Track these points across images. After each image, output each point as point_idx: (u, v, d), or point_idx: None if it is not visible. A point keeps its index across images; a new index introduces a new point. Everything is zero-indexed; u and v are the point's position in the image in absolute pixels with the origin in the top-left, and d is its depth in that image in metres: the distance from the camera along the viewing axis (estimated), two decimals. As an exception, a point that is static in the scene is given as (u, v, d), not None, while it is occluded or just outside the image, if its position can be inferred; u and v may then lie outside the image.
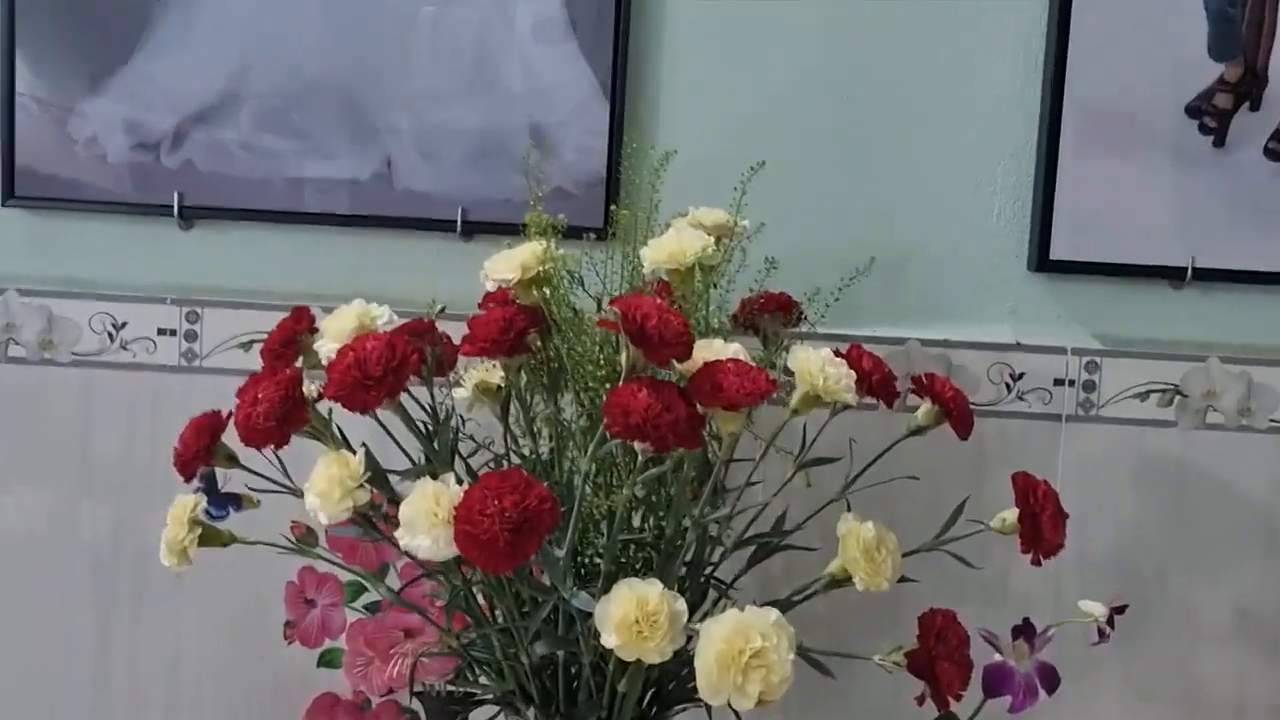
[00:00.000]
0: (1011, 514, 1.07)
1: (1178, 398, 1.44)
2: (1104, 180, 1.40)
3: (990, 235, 1.43)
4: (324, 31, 1.39)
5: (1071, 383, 1.44)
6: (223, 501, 1.18)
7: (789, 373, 1.01)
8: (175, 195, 1.40)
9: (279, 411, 0.96)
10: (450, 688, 1.39)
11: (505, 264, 1.04)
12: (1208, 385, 1.44)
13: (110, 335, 1.43)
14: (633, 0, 1.38)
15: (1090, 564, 1.42)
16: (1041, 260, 1.41)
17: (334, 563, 1.18)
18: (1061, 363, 1.44)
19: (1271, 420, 1.45)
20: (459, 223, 1.39)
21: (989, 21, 1.41)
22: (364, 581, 1.25)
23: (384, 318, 1.03)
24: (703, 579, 1.11)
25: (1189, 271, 1.41)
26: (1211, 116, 1.41)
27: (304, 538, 1.17)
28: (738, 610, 0.91)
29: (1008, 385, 1.44)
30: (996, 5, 1.41)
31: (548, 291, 1.05)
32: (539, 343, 1.06)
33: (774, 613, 0.90)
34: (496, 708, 1.16)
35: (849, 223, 1.41)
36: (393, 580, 1.33)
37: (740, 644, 0.87)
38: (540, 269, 1.03)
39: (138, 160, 1.40)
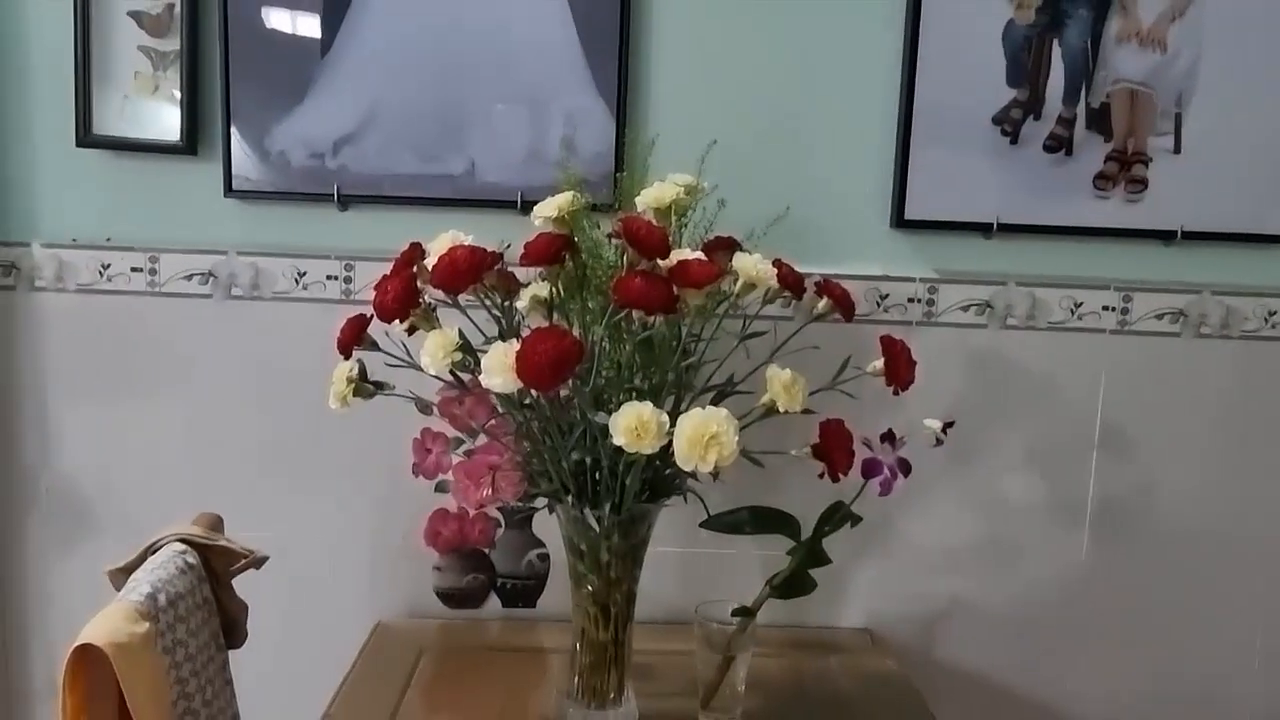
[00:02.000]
0: (880, 362, 1.05)
1: (988, 309, 1.43)
2: (940, 164, 1.38)
3: (864, 202, 1.41)
4: (424, 80, 1.36)
5: (919, 300, 1.42)
6: (372, 384, 1.16)
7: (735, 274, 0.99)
8: (335, 187, 1.38)
9: (402, 296, 0.95)
10: (519, 504, 1.38)
11: (547, 206, 1.02)
12: (1007, 301, 1.43)
13: (296, 280, 1.42)
14: (629, 45, 1.36)
15: (932, 414, 1.38)
16: (899, 219, 1.39)
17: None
18: (912, 288, 1.42)
19: (1049, 322, 1.43)
20: (519, 202, 1.37)
21: (862, 53, 1.38)
22: (461, 435, 1.23)
23: (469, 239, 1.01)
24: (681, 414, 1.09)
25: (995, 225, 1.39)
26: (1008, 124, 1.38)
27: (423, 405, 1.15)
28: (700, 409, 0.89)
29: (878, 303, 1.42)
30: (867, 41, 1.38)
31: (574, 225, 1.03)
32: (570, 259, 1.04)
33: (724, 410, 0.88)
34: (549, 514, 1.15)
35: (774, 192, 1.38)
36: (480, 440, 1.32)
37: (703, 429, 0.86)
38: (570, 209, 1.01)
39: (309, 165, 1.38)
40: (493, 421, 1.10)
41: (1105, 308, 1.43)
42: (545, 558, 1.46)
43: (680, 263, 0.91)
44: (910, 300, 1.42)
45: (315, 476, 1.43)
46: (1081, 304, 1.43)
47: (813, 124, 1.40)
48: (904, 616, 1.47)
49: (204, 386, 1.42)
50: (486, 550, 1.46)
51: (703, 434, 0.85)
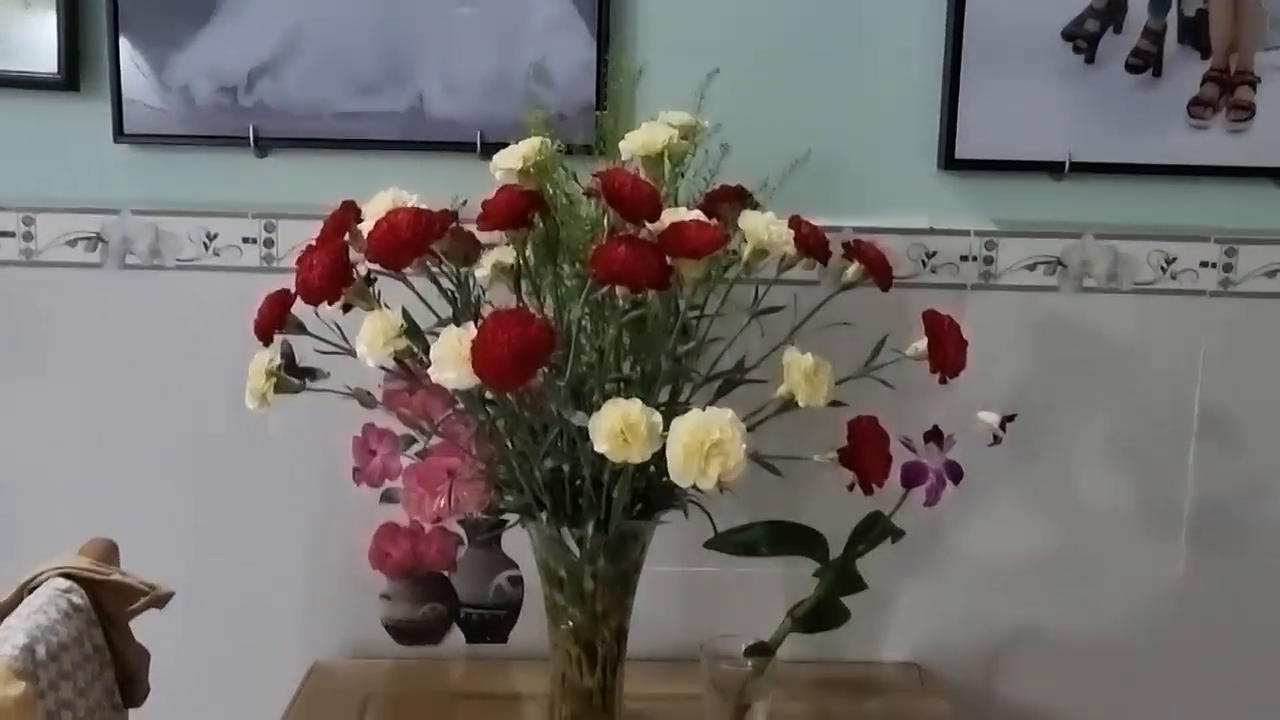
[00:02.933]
0: (922, 343, 1.05)
1: (1059, 268, 1.42)
2: (998, 92, 1.36)
3: (907, 139, 1.39)
4: (354, 7, 1.35)
5: (974, 258, 1.41)
6: (300, 374, 1.15)
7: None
8: (251, 129, 1.37)
9: (330, 272, 0.94)
10: (484, 516, 1.38)
11: (510, 156, 1.01)
12: (1083, 257, 1.42)
13: (205, 245, 1.41)
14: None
15: (989, 404, 1.39)
16: (949, 160, 1.38)
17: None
18: (966, 243, 1.41)
19: (1134, 283, 1.42)
20: (478, 144, 1.36)
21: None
22: (412, 432, 1.23)
23: (413, 200, 1.00)
24: (679, 408, 1.09)
25: (1067, 165, 1.38)
26: (1083, 39, 1.37)
27: (364, 398, 1.14)
28: (700, 410, 0.89)
29: (923, 262, 1.41)
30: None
31: (546, 180, 1.02)
32: (540, 220, 1.03)
33: (729, 412, 0.89)
34: (521, 528, 1.15)
35: (792, 131, 1.36)
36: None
37: (702, 436, 0.86)
38: (538, 158, 1.00)
39: (219, 102, 1.37)
40: (450, 415, 1.10)
41: (1204, 264, 1.42)
42: (518, 582, 1.46)
43: (674, 226, 0.91)
44: (963, 258, 1.41)
45: (233, 485, 1.43)
46: (1175, 260, 1.42)
47: (839, 43, 1.38)
48: (959, 648, 1.48)
49: (93, 377, 1.42)
50: (446, 574, 1.46)
51: (702, 441, 0.85)
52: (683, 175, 1.09)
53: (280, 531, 1.44)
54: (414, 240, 0.91)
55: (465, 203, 1.21)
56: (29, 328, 1.41)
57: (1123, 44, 1.36)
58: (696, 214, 0.95)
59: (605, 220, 0.91)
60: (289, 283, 1.34)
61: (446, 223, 0.95)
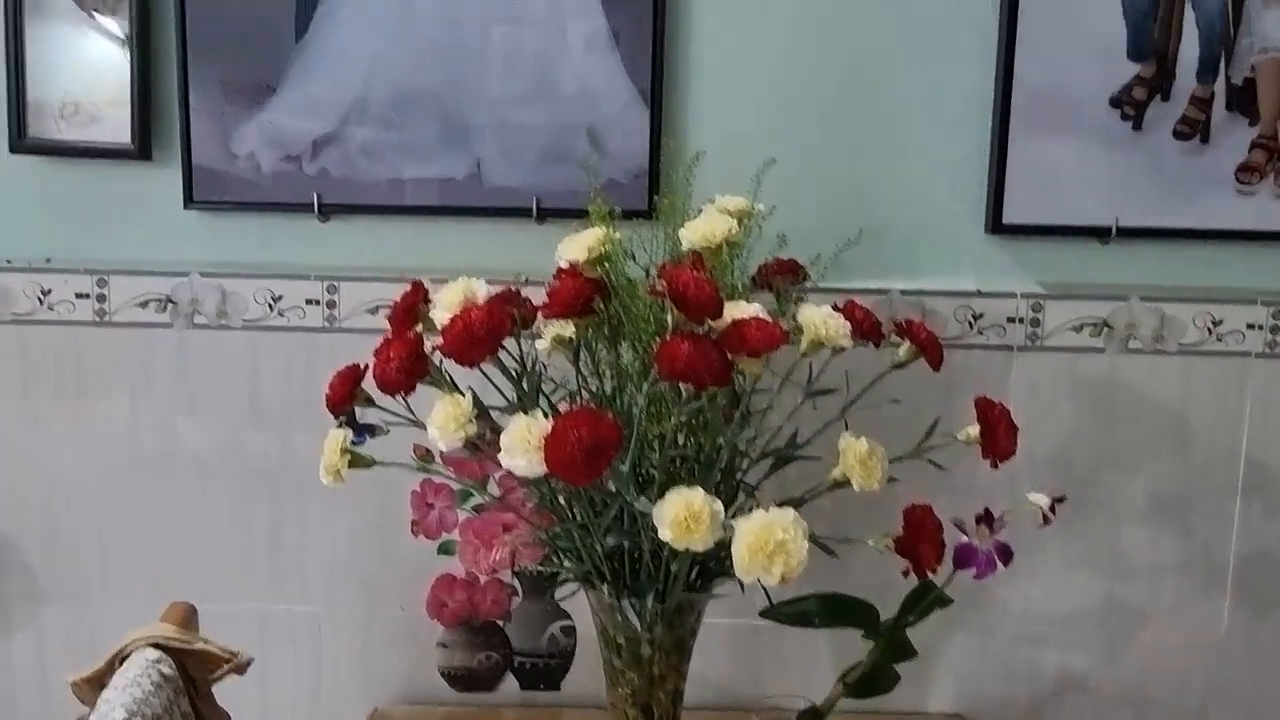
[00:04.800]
0: (974, 429, 1.09)
1: (1105, 329, 1.45)
2: (1045, 158, 1.40)
3: (953, 203, 1.43)
4: (418, 68, 1.40)
5: (1021, 320, 1.45)
6: (361, 431, 1.20)
7: (799, 328, 1.03)
8: (314, 196, 1.42)
9: (407, 366, 0.99)
10: (540, 568, 1.43)
11: (575, 247, 1.06)
12: (1129, 319, 1.45)
13: (270, 305, 1.46)
14: (666, 18, 1.38)
15: (1037, 464, 1.43)
16: (996, 224, 1.42)
17: (447, 476, 1.21)
18: (1013, 305, 1.45)
19: (1180, 345, 1.45)
20: (534, 210, 1.41)
21: (948, 27, 1.40)
22: (471, 489, 1.28)
23: (482, 292, 1.05)
24: (734, 483, 1.13)
25: (1114, 230, 1.41)
26: (1130, 106, 1.40)
27: (424, 457, 1.19)
28: (763, 510, 0.93)
29: (969, 323, 1.45)
30: (954, 13, 1.40)
31: (607, 266, 1.06)
32: (602, 305, 1.08)
33: (791, 512, 0.92)
34: (578, 584, 1.20)
35: (839, 199, 1.42)
36: (492, 488, 1.36)
37: (766, 537, 0.90)
38: (602, 249, 1.05)
39: (284, 169, 1.42)
40: (504, 475, 1.15)
41: (1250, 326, 1.45)
42: (570, 631, 1.51)
43: (735, 325, 0.95)
44: (1010, 320, 1.45)
45: (296, 537, 1.49)
46: (1221, 322, 1.45)
47: (889, 108, 1.42)
48: (1005, 700, 1.51)
49: (162, 433, 1.48)
50: (500, 623, 1.51)
51: (766, 541, 0.89)
52: (738, 256, 1.13)
53: (340, 582, 1.50)
54: (488, 339, 0.96)
55: (526, 280, 1.28)
56: (101, 386, 1.47)
57: (1170, 111, 1.40)
58: (756, 309, 0.99)
59: (670, 316, 0.95)
60: (350, 343, 1.43)
61: (514, 320, 1.00)
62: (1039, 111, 1.39)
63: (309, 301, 1.46)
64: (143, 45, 1.40)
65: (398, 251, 1.45)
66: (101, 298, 1.46)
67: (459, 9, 1.39)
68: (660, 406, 1.05)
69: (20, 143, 1.42)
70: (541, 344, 1.16)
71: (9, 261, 1.46)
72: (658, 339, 1.00)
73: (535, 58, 1.40)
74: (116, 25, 1.40)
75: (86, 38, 1.41)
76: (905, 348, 1.13)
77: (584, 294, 1.02)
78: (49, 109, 1.41)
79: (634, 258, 1.16)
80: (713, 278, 0.98)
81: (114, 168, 1.44)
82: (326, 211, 1.44)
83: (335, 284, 1.46)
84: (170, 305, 1.46)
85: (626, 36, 1.38)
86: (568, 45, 1.39)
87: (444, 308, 1.04)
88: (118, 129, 1.42)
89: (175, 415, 1.48)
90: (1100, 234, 1.42)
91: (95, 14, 1.41)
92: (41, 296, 1.46)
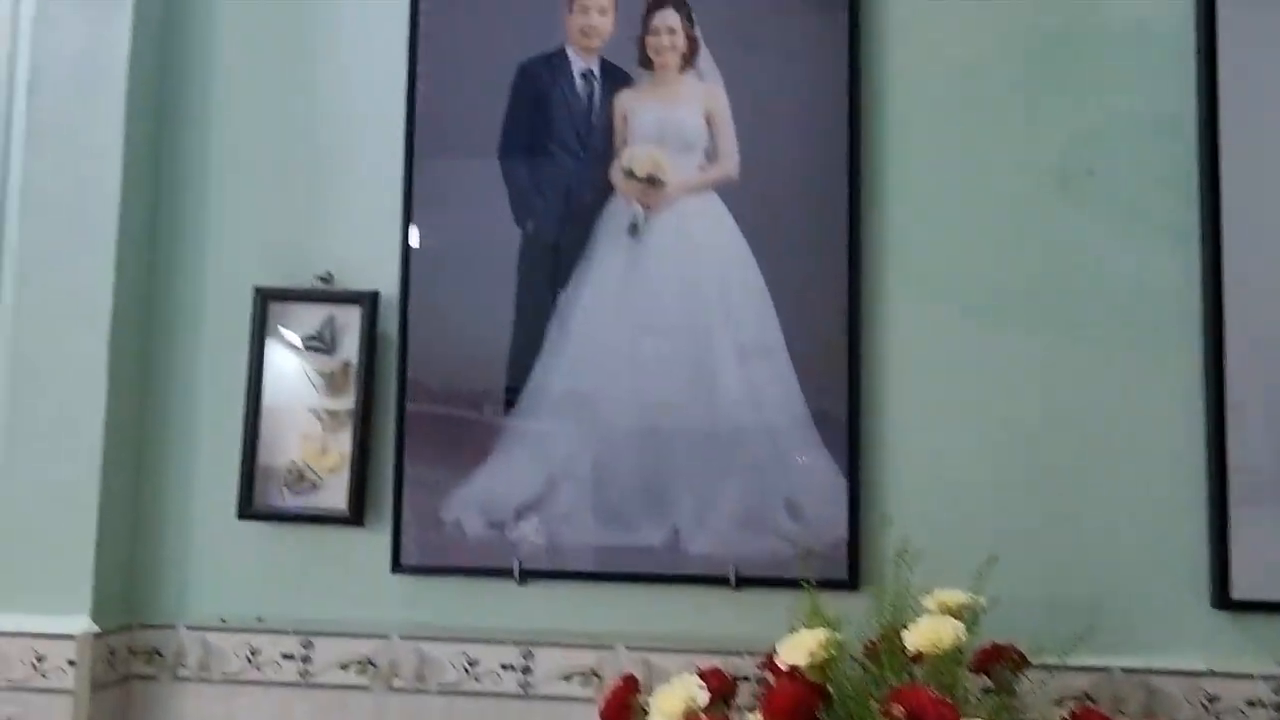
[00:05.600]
0: None
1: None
2: (1270, 532, 1.34)
3: (1172, 577, 1.38)
4: (621, 443, 1.46)
5: (1263, 704, 1.34)
6: None
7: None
8: (516, 562, 1.46)
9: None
10: None
11: (796, 651, 1.04)
12: (1388, 706, 1.33)
13: (465, 669, 1.47)
14: (861, 400, 1.42)
15: None
16: (1222, 599, 1.34)
17: None
18: (1251, 687, 1.35)
19: None
20: (733, 579, 1.41)
21: (1152, 393, 1.40)
22: None
23: (702, 699, 1.03)
24: None
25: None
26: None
27: None
28: None
29: (1204, 706, 1.35)
30: (1155, 381, 1.40)
31: (828, 672, 1.04)
32: (824, 713, 1.05)
33: None
34: None
35: (1057, 569, 1.38)
36: None
37: None
38: (826, 654, 1.03)
39: (488, 535, 1.47)
40: None
41: None
42: None
43: (979, 755, 0.90)
44: (1250, 703, 1.34)
45: None
46: None
47: (1093, 489, 1.40)
48: None
49: (355, 801, 1.47)
50: None
51: None
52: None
53: None
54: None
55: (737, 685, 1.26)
56: (301, 750, 1.49)
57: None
58: (993, 731, 0.94)
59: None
60: (545, 711, 1.41)
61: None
62: (1259, 487, 1.34)
63: (504, 666, 1.46)
64: (364, 418, 1.50)
65: (594, 618, 1.45)
66: (306, 659, 1.50)
67: (657, 393, 1.46)
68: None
69: (248, 510, 1.51)
70: (750, 726, 1.13)
71: (224, 620, 1.52)
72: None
73: (732, 435, 1.44)
74: (339, 403, 1.51)
75: (314, 411, 1.52)
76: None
77: (806, 703, 1.00)
78: (275, 475, 1.51)
79: (849, 654, 1.13)
80: (947, 697, 0.94)
81: (328, 532, 1.51)
82: (525, 576, 1.46)
83: (531, 649, 1.46)
84: (370, 668, 1.48)
85: (831, 419, 1.42)
86: (769, 424, 1.43)
87: (663, 715, 1.02)
88: (335, 496, 1.50)
89: (368, 783, 1.47)
90: (1344, 610, 1.33)
91: (324, 395, 1.52)
92: (250, 656, 1.51)
